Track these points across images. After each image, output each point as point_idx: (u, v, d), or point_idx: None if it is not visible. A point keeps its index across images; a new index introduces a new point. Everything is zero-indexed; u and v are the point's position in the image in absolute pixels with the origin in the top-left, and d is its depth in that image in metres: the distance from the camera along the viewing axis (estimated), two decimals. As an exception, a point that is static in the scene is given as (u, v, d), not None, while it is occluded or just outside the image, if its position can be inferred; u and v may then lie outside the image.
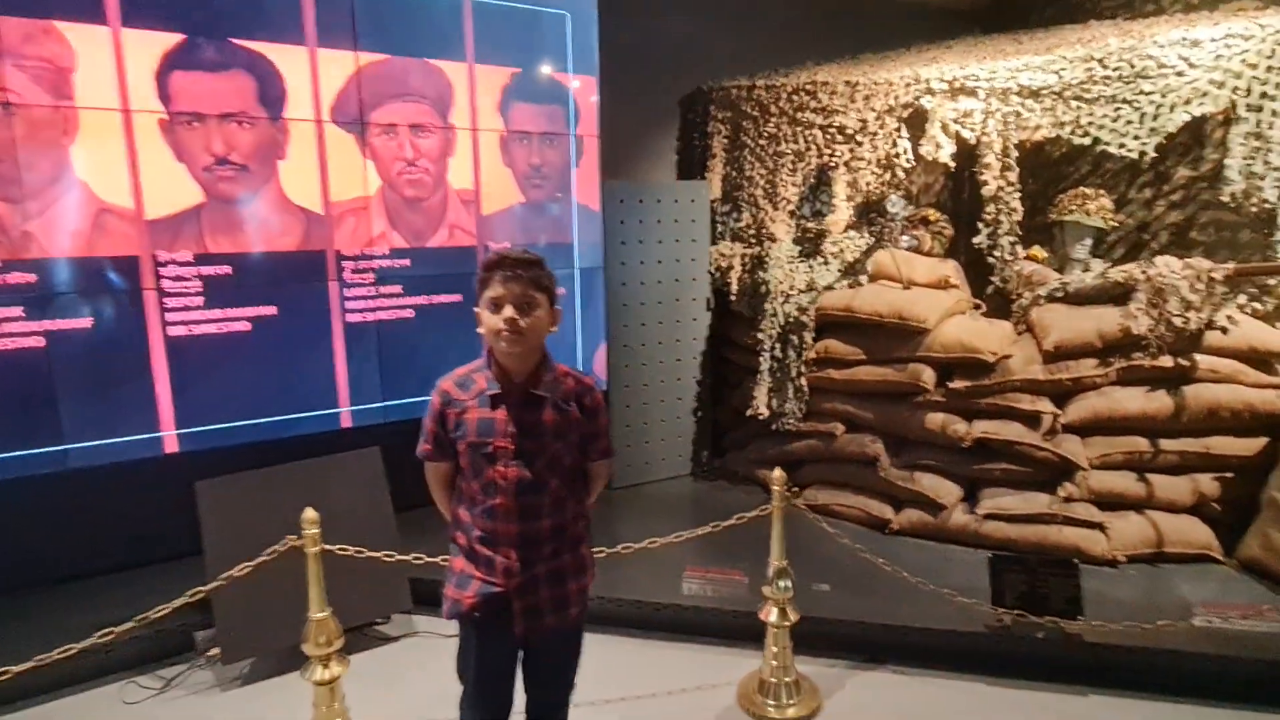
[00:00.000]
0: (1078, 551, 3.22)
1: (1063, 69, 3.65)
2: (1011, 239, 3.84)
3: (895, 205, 4.26)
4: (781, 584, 2.55)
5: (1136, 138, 3.55)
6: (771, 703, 2.58)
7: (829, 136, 4.29)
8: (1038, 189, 4.47)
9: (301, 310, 3.31)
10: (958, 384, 3.57)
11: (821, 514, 3.83)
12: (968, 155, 4.04)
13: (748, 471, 4.37)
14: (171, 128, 2.95)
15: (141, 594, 2.42)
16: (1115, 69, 3.57)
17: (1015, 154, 3.80)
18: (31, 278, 2.79)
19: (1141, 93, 3.54)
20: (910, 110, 3.99)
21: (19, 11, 2.66)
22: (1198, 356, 3.31)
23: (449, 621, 1.82)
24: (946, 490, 3.58)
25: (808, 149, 4.37)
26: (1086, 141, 3.68)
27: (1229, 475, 3.33)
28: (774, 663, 2.60)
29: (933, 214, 4.42)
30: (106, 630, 2.09)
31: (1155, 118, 3.52)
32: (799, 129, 4.40)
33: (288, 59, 3.15)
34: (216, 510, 2.74)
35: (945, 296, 3.83)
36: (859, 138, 4.16)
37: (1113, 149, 3.61)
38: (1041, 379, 3.44)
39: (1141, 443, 3.35)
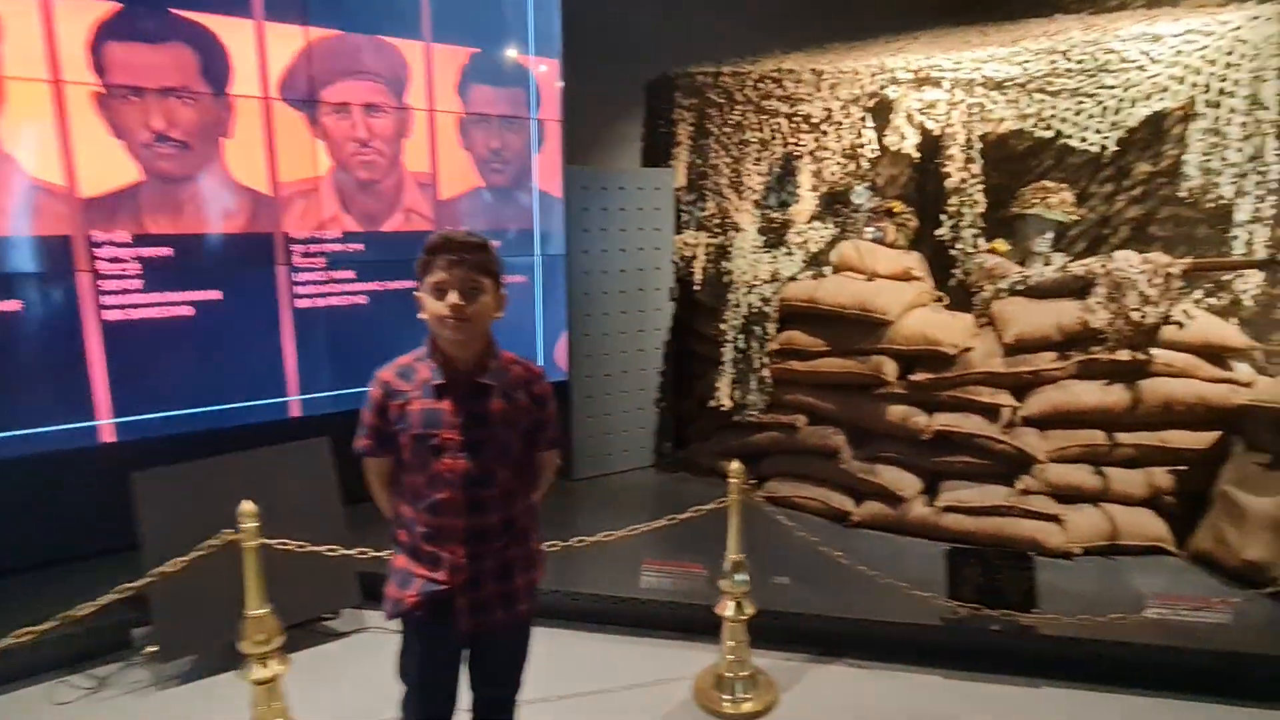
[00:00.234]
0: (1034, 543, 3.24)
1: (1027, 61, 3.65)
2: (974, 231, 3.83)
3: (860, 196, 4.24)
4: (738, 577, 2.52)
5: (1098, 131, 3.56)
6: (728, 697, 2.55)
7: (794, 125, 4.25)
8: (1001, 182, 4.47)
9: (248, 295, 3.19)
10: (919, 376, 3.56)
11: (782, 506, 3.83)
12: (934, 148, 4.03)
13: (710, 463, 4.33)
14: (107, 101, 2.81)
15: (75, 590, 2.29)
16: (1078, 62, 3.57)
17: (979, 146, 3.79)
18: (-46, 257, 2.64)
19: (1103, 87, 3.55)
20: (875, 100, 3.97)
21: (-62, -27, 2.51)
22: (1154, 351, 3.34)
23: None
24: (907, 483, 3.57)
25: (773, 138, 4.33)
26: (1049, 134, 3.68)
27: (1182, 468, 3.37)
28: (730, 657, 2.57)
29: (898, 206, 4.40)
30: (24, 630, 1.97)
31: (1116, 112, 3.53)
32: (764, 117, 4.35)
33: (233, 32, 3.02)
34: (154, 503, 2.62)
35: (908, 288, 3.82)
36: (824, 127, 4.13)
37: (1074, 142, 3.61)
38: (1001, 372, 3.44)
39: (1098, 436, 3.37)
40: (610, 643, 2.93)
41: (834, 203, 4.34)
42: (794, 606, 2.88)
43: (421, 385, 1.69)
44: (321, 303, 3.37)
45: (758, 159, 4.40)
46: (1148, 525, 3.31)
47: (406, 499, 1.74)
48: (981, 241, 3.90)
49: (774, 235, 4.38)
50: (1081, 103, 3.58)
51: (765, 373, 3.93)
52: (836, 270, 4.02)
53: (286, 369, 3.34)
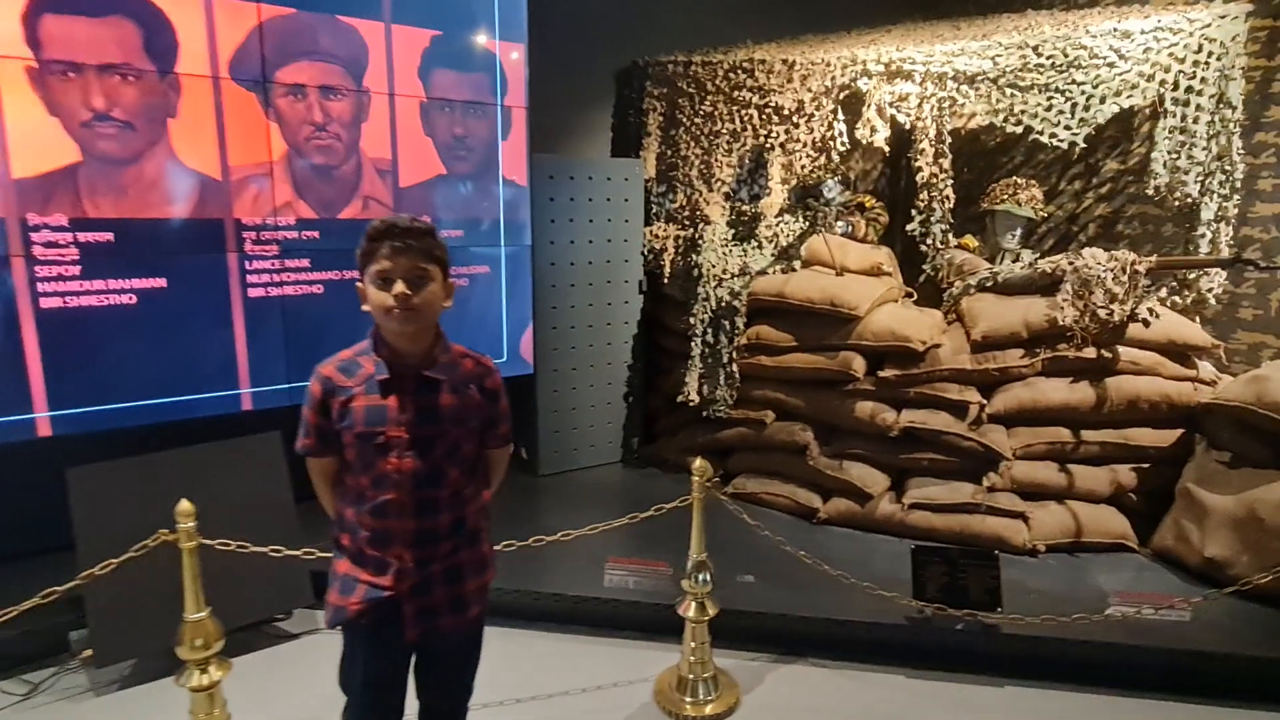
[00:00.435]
0: (1000, 541, 3.23)
1: (998, 55, 3.62)
2: (943, 226, 3.81)
3: (832, 190, 4.20)
4: (700, 577, 2.46)
5: (1068, 127, 3.55)
6: (689, 699, 2.50)
7: (765, 117, 4.19)
8: (972, 178, 4.47)
9: (196, 283, 3.05)
10: (887, 373, 3.53)
11: (750, 503, 3.80)
12: (906, 143, 3.99)
13: (679, 459, 4.27)
14: (42, 77, 2.66)
15: (9, 591, 2.17)
16: (1049, 57, 3.55)
17: (949, 140, 3.76)
18: (-126, 240, 2.49)
19: (1074, 82, 3.53)
20: (846, 92, 3.92)
21: None
22: (1120, 348, 3.34)
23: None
24: (874, 479, 3.54)
25: (744, 129, 4.27)
26: (1019, 130, 3.66)
27: (1146, 466, 3.38)
28: (692, 658, 2.52)
29: (869, 200, 4.38)
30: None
31: (1086, 108, 3.52)
32: (735, 108, 4.29)
33: (179, 7, 2.87)
34: (90, 500, 2.50)
35: (877, 284, 3.79)
36: (795, 119, 4.07)
37: (1044, 138, 3.60)
38: (969, 369, 3.42)
39: (1064, 433, 3.37)
40: (571, 643, 2.87)
41: (805, 196, 4.29)
42: (758, 606, 2.83)
43: (365, 380, 1.60)
44: (275, 292, 3.24)
45: (728, 150, 4.34)
46: (1111, 522, 3.32)
47: (349, 500, 1.66)
48: (951, 237, 3.88)
49: (744, 228, 4.32)
50: (1052, 98, 3.56)
51: (734, 368, 3.88)
52: (806, 264, 3.98)
53: (238, 360, 3.21)
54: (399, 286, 1.53)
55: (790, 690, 2.61)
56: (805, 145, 4.06)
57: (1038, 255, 3.89)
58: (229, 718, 2.16)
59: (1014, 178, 4.00)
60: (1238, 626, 2.69)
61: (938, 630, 2.69)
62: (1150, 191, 3.57)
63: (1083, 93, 3.51)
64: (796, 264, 3.98)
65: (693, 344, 3.98)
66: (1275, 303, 3.64)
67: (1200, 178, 3.49)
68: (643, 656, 2.76)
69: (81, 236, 2.79)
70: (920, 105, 3.75)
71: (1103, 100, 3.50)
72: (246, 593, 2.71)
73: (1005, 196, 3.94)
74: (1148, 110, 3.68)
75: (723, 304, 3.91)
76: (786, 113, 4.10)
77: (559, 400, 4.27)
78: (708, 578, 2.47)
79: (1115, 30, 3.48)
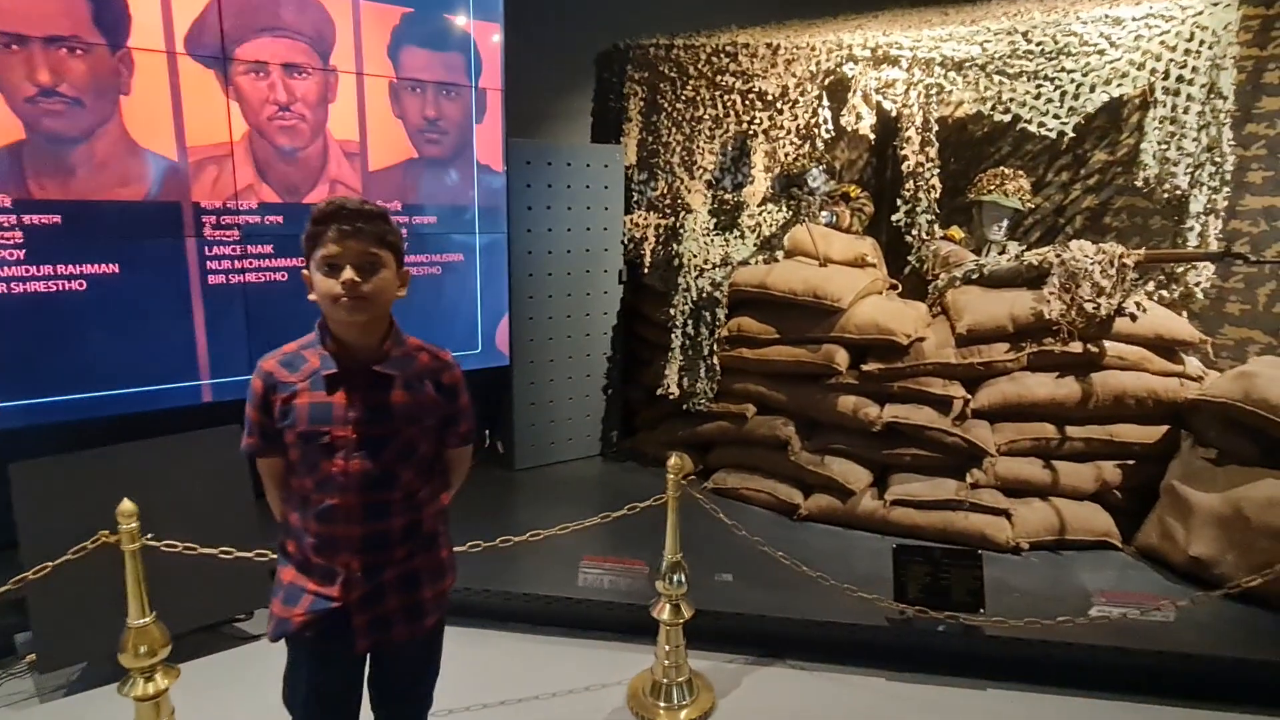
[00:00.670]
0: (983, 538, 3.16)
1: (986, 41, 3.53)
2: (929, 217, 3.72)
3: (817, 179, 4.11)
4: (674, 578, 2.38)
5: (1056, 116, 3.46)
6: (663, 704, 2.41)
7: (749, 103, 4.09)
8: (959, 169, 4.38)
9: (151, 269, 2.91)
10: (870, 366, 3.45)
11: (730, 498, 3.72)
12: (892, 131, 3.90)
13: (659, 453, 4.18)
14: (-18, 49, 2.51)
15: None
16: (1038, 44, 3.46)
17: (936, 128, 3.67)
18: None
19: (1063, 70, 3.45)
20: (832, 78, 3.82)
21: None
22: (1106, 343, 3.27)
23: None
24: (856, 475, 3.47)
25: (727, 115, 4.16)
26: (1007, 118, 3.58)
27: (1131, 462, 3.33)
28: (666, 661, 2.43)
29: (854, 190, 4.29)
30: None
31: (1075, 97, 3.43)
32: (718, 93, 4.17)
33: (131, -23, 2.73)
34: (32, 497, 2.36)
35: (861, 275, 3.70)
36: (779, 105, 3.96)
37: (1033, 127, 3.51)
38: (954, 363, 3.35)
39: (1049, 429, 3.30)
40: (543, 644, 2.77)
41: (789, 185, 4.20)
42: (736, 606, 2.75)
43: (310, 375, 1.49)
44: (236, 279, 3.11)
45: (711, 137, 4.23)
46: (1095, 519, 3.26)
47: (294, 504, 1.55)
48: (937, 228, 3.80)
49: (726, 217, 4.22)
50: (1041, 86, 3.48)
51: (714, 360, 3.79)
52: (789, 255, 3.89)
53: (198, 351, 3.08)
54: (347, 273, 1.42)
55: (768, 693, 2.54)
56: (789, 132, 3.96)
57: (1024, 247, 3.82)
58: (177, 727, 2.05)
59: (1001, 168, 3.92)
60: (1222, 627, 2.64)
61: (919, 632, 2.62)
62: (1139, 183, 3.49)
63: (1073, 81, 3.43)
64: (779, 254, 3.89)
65: (673, 336, 3.88)
66: (1263, 297, 3.59)
67: (1190, 169, 3.42)
68: (617, 659, 2.67)
69: (26, 219, 2.65)
70: (907, 92, 3.66)
71: (1093, 89, 3.42)
72: (203, 593, 2.59)
73: (992, 187, 3.86)
74: (1137, 100, 3.61)
75: (704, 295, 3.81)
76: (770, 99, 4.00)
77: (536, 393, 4.16)
78: (683, 579, 2.38)
79: (1106, 17, 3.39)
